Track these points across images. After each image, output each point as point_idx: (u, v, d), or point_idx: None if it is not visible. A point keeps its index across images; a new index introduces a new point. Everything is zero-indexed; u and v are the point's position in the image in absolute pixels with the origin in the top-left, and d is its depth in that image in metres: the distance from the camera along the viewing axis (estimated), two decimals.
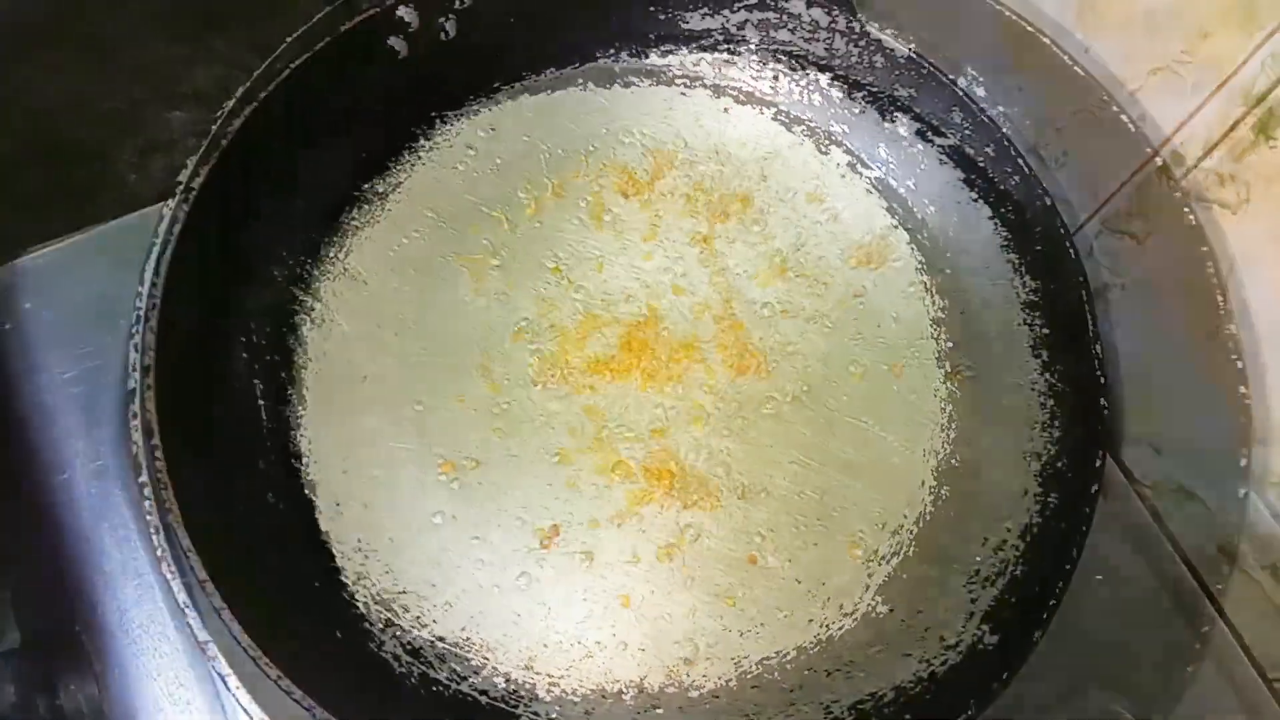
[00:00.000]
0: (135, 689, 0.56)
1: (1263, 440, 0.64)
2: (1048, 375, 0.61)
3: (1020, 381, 0.61)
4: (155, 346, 0.50)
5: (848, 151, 0.68)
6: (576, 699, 0.53)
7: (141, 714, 0.55)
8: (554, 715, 0.53)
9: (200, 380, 0.55)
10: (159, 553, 0.47)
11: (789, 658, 0.55)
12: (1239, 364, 0.54)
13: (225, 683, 0.45)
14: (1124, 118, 0.60)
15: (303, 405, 0.58)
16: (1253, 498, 0.62)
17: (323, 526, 0.56)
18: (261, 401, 0.57)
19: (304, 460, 0.57)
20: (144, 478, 0.48)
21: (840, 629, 0.56)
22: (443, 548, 0.56)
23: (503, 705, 0.53)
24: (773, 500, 0.58)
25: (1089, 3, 0.67)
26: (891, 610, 0.56)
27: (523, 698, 0.53)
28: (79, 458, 0.61)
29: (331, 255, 0.62)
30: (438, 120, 0.66)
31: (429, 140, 0.66)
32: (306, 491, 0.56)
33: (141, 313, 0.51)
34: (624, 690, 0.54)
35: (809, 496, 0.58)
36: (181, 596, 0.46)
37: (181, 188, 0.53)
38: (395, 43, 0.63)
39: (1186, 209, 0.61)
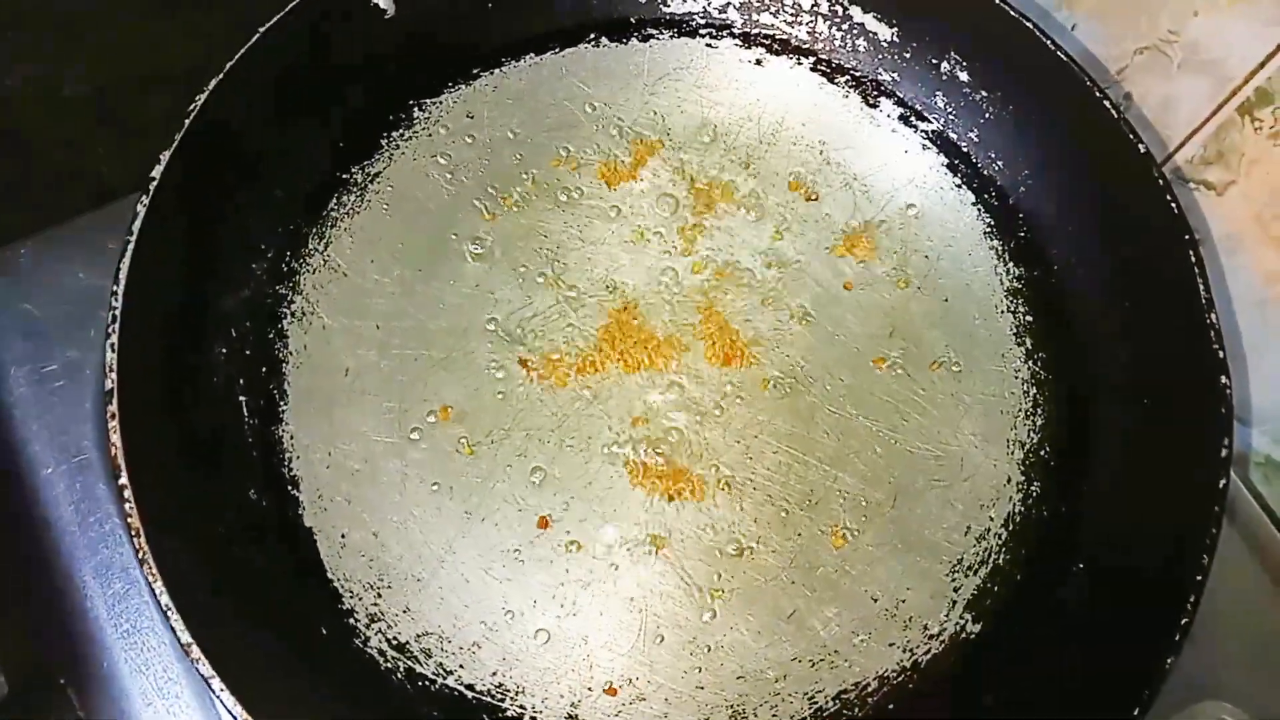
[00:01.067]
0: (124, 683, 0.56)
1: (1242, 419, 0.64)
2: (1030, 363, 0.61)
3: (1003, 370, 0.61)
4: (130, 345, 0.50)
5: (831, 138, 0.67)
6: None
7: (131, 708, 0.56)
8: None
9: (179, 378, 0.54)
10: (140, 555, 0.46)
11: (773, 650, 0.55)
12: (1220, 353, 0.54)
13: (210, 685, 0.45)
14: (1106, 104, 0.59)
15: (284, 400, 0.58)
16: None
17: (306, 522, 0.56)
18: (243, 398, 0.57)
19: (286, 455, 0.57)
20: (124, 479, 0.47)
21: (825, 620, 0.56)
22: (426, 540, 0.56)
23: (490, 699, 0.53)
24: (756, 491, 0.58)
25: None
26: (875, 600, 0.56)
27: (508, 690, 0.54)
28: (63, 453, 0.60)
29: (311, 247, 0.61)
30: (416, 108, 0.65)
31: (408, 129, 0.65)
32: (289, 487, 0.56)
33: (116, 311, 0.50)
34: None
35: (792, 486, 0.59)
36: (164, 599, 0.45)
37: (154, 181, 0.53)
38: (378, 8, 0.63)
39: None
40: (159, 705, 0.57)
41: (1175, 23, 0.62)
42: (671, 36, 0.68)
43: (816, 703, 0.54)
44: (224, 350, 0.57)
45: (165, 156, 0.53)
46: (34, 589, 0.60)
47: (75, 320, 0.62)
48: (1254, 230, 0.61)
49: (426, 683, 0.53)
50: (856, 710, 0.54)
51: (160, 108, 0.81)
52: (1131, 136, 0.58)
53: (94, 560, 0.59)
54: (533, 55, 0.68)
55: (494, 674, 0.53)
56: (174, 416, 0.53)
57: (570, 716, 0.53)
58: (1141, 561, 0.54)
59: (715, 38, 0.68)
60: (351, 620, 0.54)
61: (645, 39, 0.68)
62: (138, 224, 0.52)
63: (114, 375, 0.49)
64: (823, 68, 0.67)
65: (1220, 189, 0.63)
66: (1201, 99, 0.62)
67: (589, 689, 0.54)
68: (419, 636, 0.54)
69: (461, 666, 0.53)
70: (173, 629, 0.45)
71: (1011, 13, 0.61)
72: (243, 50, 0.57)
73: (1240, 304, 0.63)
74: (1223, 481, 0.51)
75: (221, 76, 0.56)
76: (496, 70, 0.67)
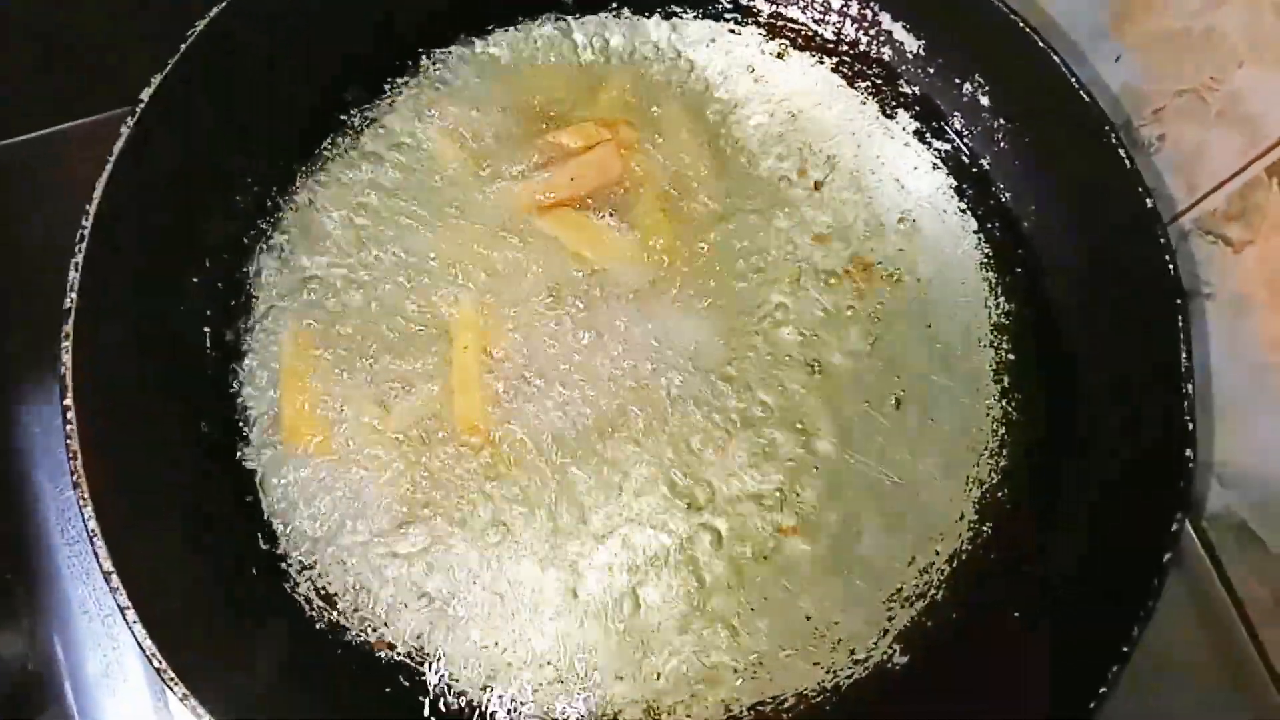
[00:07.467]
0: (65, 587, 0.59)
1: (1221, 480, 0.63)
2: (1004, 402, 0.60)
3: (975, 404, 0.60)
4: (97, 264, 0.50)
5: (842, 142, 0.65)
6: None
7: (70, 615, 0.58)
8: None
9: (147, 303, 0.54)
10: (75, 478, 0.47)
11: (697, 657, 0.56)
12: None
13: (124, 615, 0.45)
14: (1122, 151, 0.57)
15: (249, 336, 0.58)
16: None
17: (248, 463, 0.56)
18: (207, 329, 0.57)
19: (242, 389, 0.57)
20: (69, 400, 0.48)
21: (754, 630, 0.56)
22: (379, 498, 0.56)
23: (408, 661, 0.54)
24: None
25: (1127, 10, 0.65)
26: (808, 618, 0.56)
27: (428, 655, 0.54)
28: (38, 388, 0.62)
29: (298, 185, 0.61)
30: (424, 56, 0.64)
31: (413, 78, 0.64)
32: (240, 424, 0.56)
33: (86, 230, 0.50)
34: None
35: None
36: (91, 524, 0.46)
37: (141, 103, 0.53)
38: None
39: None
40: (95, 615, 0.59)
41: (1219, 70, 0.60)
42: (695, 17, 0.66)
43: (732, 710, 0.54)
44: (195, 279, 0.57)
45: (155, 80, 0.53)
46: None
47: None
48: (1264, 294, 0.60)
49: (351, 636, 0.54)
50: None
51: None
52: (1141, 189, 0.56)
53: (49, 462, 0.60)
54: (552, 15, 0.66)
55: (418, 637, 0.54)
56: (133, 340, 0.53)
57: (486, 687, 0.53)
58: (1079, 624, 0.53)
59: (740, 24, 0.66)
60: (284, 565, 0.54)
61: (668, 16, 0.66)
62: (118, 146, 0.51)
63: (74, 295, 0.49)
64: (844, 70, 0.65)
65: (1238, 247, 0.61)
66: (1233, 152, 0.60)
67: (509, 664, 0.54)
68: (348, 591, 0.54)
69: (386, 625, 0.54)
70: (96, 555, 0.46)
71: (1040, 43, 0.58)
72: None
73: (1240, 364, 0.62)
74: (1166, 556, 0.50)
75: (225, 4, 0.55)
76: (511, 28, 0.66)
